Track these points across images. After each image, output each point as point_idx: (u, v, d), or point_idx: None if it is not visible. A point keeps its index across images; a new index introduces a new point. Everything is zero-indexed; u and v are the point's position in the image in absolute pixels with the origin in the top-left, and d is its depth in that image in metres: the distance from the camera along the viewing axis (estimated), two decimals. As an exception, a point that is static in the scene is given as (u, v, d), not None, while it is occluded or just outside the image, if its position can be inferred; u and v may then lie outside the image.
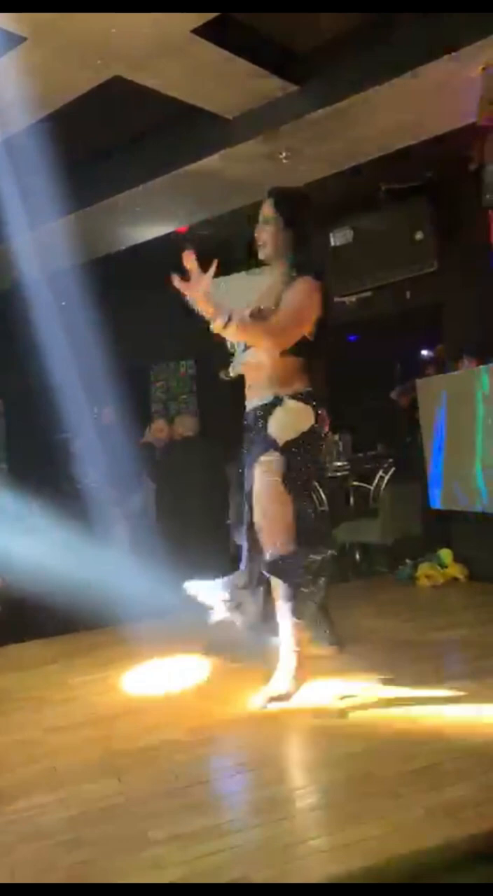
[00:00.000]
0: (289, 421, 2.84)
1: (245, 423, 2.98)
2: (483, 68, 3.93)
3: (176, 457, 5.14)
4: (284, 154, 4.78)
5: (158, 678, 3.28)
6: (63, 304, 5.41)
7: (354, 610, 3.89)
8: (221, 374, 3.11)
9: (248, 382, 2.98)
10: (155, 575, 3.76)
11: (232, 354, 3.04)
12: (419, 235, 5.92)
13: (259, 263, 3.03)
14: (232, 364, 3.05)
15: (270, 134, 4.52)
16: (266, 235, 2.90)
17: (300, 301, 2.78)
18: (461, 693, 2.74)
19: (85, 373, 4.94)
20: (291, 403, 2.84)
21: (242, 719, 2.72)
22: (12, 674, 3.55)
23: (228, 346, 3.05)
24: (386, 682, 2.89)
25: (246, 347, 2.95)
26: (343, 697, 2.76)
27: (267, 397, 2.89)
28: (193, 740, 2.57)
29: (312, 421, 2.85)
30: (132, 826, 2.02)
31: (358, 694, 2.79)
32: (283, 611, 2.78)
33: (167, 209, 5.70)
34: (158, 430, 5.53)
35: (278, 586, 2.78)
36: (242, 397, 3.20)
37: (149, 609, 3.75)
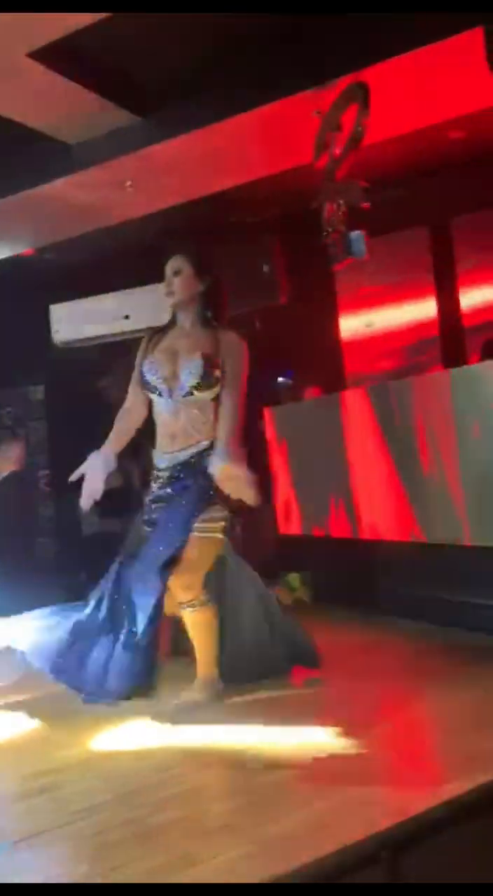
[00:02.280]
0: None
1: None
2: (317, 112, 4.09)
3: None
4: (129, 183, 4.77)
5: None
6: None
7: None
8: None
9: None
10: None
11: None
12: (266, 268, 6.06)
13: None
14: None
15: (112, 163, 4.49)
16: (178, 285, 3.19)
17: (244, 373, 3.20)
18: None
19: None
20: None
21: (80, 763, 2.63)
22: None
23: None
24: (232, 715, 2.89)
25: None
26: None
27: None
28: (26, 789, 2.45)
29: None
30: None
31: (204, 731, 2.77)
32: None
33: (10, 232, 5.54)
34: None
35: None
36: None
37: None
